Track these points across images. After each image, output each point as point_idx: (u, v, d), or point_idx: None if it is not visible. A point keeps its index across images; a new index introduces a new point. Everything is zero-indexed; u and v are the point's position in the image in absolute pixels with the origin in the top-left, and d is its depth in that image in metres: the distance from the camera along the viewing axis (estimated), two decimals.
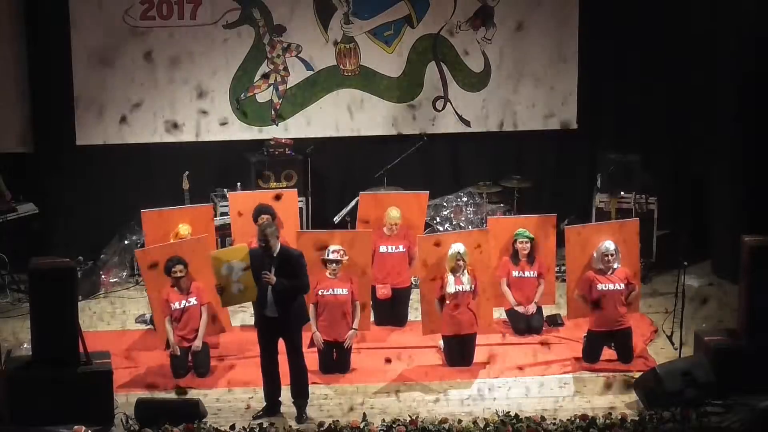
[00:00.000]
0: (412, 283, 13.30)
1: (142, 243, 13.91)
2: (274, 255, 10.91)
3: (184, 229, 12.77)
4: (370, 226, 12.98)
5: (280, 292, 10.90)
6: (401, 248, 13.04)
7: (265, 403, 11.15)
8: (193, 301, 11.99)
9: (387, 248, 13.01)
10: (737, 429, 10.72)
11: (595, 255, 12.28)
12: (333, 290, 11.97)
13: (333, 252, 12.00)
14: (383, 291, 12.94)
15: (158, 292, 12.08)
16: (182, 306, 11.97)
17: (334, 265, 11.99)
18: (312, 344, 11.99)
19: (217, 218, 13.95)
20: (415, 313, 13.08)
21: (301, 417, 11.03)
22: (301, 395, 11.12)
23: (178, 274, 11.95)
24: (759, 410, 10.81)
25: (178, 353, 11.86)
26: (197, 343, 11.93)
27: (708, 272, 14.65)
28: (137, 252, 12.55)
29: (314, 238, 12.33)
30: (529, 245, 12.78)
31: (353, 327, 12.03)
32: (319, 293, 11.97)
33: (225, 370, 12.04)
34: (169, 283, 12.01)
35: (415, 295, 13.20)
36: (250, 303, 11.49)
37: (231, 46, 14.81)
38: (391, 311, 13.06)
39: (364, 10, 15.01)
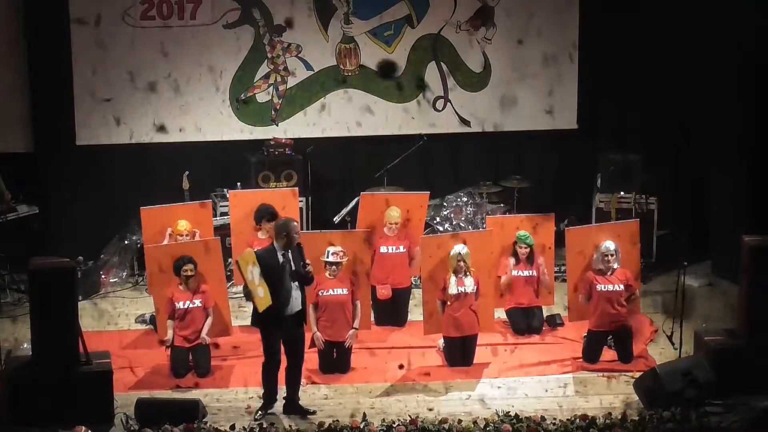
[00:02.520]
0: (412, 283, 13.31)
1: (143, 242, 13.94)
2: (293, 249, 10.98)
3: (182, 225, 12.78)
4: (370, 226, 12.97)
5: (308, 282, 11.06)
6: (402, 248, 13.04)
7: (262, 401, 11.16)
8: (197, 303, 11.99)
9: (387, 248, 13.00)
10: (737, 429, 10.72)
11: (595, 255, 12.28)
12: (333, 290, 11.98)
13: (332, 254, 12.00)
14: (383, 291, 12.93)
15: (163, 290, 12.08)
16: (186, 306, 11.96)
17: (334, 267, 11.99)
18: (312, 344, 12.01)
19: (217, 218, 13.96)
20: (415, 314, 13.09)
21: (305, 409, 11.08)
22: (296, 384, 11.16)
23: (188, 273, 11.95)
24: (759, 410, 10.81)
25: (168, 344, 11.84)
26: (203, 336, 11.91)
27: (708, 272, 14.66)
28: (147, 249, 12.51)
29: (314, 239, 12.33)
30: (528, 250, 12.78)
31: (354, 327, 12.03)
32: (319, 293, 11.97)
33: (225, 370, 12.04)
34: (174, 281, 12.01)
35: (416, 296, 13.22)
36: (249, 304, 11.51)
37: (231, 46, 14.81)
38: (391, 311, 13.05)
39: (364, 10, 15.01)
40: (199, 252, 12.09)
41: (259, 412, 11.08)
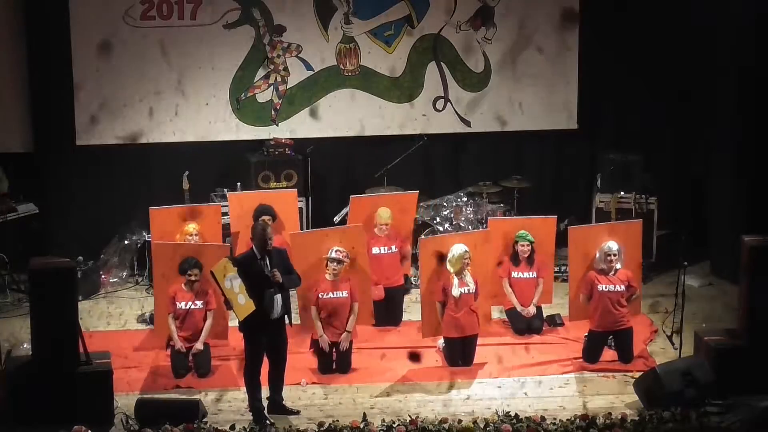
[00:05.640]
0: (404, 281, 13.31)
1: (143, 243, 13.95)
2: (271, 253, 10.96)
3: (191, 227, 12.77)
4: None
5: (285, 288, 10.99)
6: (393, 248, 13.07)
7: (250, 411, 11.09)
8: (199, 304, 11.98)
9: (380, 249, 13.03)
10: (737, 429, 10.72)
11: (597, 255, 12.28)
12: (334, 293, 11.98)
13: (336, 252, 12.00)
14: (376, 292, 12.91)
15: (166, 288, 12.07)
16: (187, 307, 11.96)
17: (336, 264, 11.98)
18: (312, 345, 12.02)
19: None
20: (411, 313, 13.11)
21: (289, 409, 11.10)
22: (280, 389, 11.18)
23: (193, 278, 11.95)
24: (759, 410, 10.80)
25: (183, 349, 11.85)
26: (198, 345, 11.93)
27: (708, 272, 14.66)
28: (155, 246, 12.49)
29: (311, 239, 12.32)
30: (529, 248, 12.79)
31: (347, 329, 12.02)
32: (320, 296, 11.97)
33: (225, 370, 12.04)
34: (178, 281, 12.00)
35: (412, 296, 13.25)
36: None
37: (231, 46, 14.81)
38: (385, 311, 13.04)
39: (364, 10, 15.00)
40: (206, 255, 12.07)
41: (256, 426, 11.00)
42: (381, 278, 13.00)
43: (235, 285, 10.79)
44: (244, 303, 10.79)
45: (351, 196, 13.50)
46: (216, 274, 10.89)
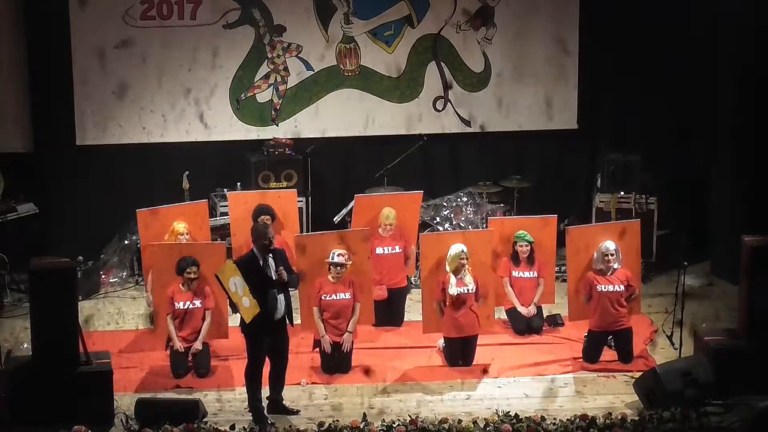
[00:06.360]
0: (407, 282, 13.30)
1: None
2: (275, 253, 10.97)
3: (180, 226, 12.77)
4: (365, 227, 12.96)
5: (288, 287, 11.00)
6: (397, 249, 13.06)
7: (250, 411, 11.09)
8: (197, 303, 11.98)
9: (383, 249, 13.02)
10: (737, 429, 10.72)
11: (595, 255, 12.28)
12: (336, 295, 11.98)
13: (338, 255, 11.99)
14: (378, 292, 12.90)
15: (163, 289, 12.07)
16: (186, 307, 11.96)
17: (339, 268, 11.97)
18: (315, 346, 12.01)
19: (217, 218, 13.96)
20: (413, 313, 13.10)
21: (289, 409, 11.10)
22: (280, 385, 11.18)
23: (192, 276, 11.94)
24: (759, 410, 10.79)
25: (182, 349, 11.85)
26: (197, 345, 11.93)
27: (708, 272, 14.66)
28: (150, 247, 12.48)
29: (314, 241, 12.32)
30: (528, 248, 12.79)
31: (348, 330, 12.02)
32: (323, 297, 11.97)
33: (225, 370, 12.04)
34: (175, 281, 12.00)
35: (413, 296, 13.22)
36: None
37: (231, 46, 14.81)
38: (388, 312, 13.04)
39: (364, 10, 15.00)
40: (203, 254, 12.07)
41: (257, 426, 10.99)
42: (384, 278, 13.00)
43: (239, 287, 10.79)
44: (249, 305, 10.78)
45: (355, 196, 13.50)
46: (221, 278, 10.89)
